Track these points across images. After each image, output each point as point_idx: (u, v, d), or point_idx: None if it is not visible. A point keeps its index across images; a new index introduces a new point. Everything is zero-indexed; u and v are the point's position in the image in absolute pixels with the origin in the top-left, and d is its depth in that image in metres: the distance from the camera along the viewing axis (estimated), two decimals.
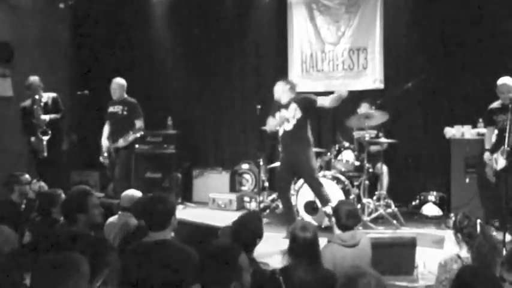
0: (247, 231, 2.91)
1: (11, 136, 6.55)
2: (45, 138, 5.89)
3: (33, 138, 5.95)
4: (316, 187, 5.35)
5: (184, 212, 6.71)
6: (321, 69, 7.32)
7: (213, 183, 7.45)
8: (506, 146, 4.77)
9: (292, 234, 2.80)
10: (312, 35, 7.34)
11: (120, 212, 3.92)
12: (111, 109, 6.19)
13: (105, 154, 6.08)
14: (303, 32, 7.39)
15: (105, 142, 6.13)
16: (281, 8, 7.51)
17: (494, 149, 5.20)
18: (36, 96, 5.96)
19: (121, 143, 5.91)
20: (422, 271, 4.05)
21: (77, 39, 7.91)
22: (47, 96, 6.08)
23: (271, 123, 5.50)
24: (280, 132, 5.42)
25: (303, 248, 2.72)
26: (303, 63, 7.43)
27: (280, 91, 5.40)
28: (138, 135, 5.94)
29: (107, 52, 7.92)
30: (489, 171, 5.26)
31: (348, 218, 3.29)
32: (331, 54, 7.25)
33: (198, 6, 7.83)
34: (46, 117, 5.95)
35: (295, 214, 5.61)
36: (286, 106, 5.32)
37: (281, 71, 7.51)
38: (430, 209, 6.20)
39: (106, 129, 6.21)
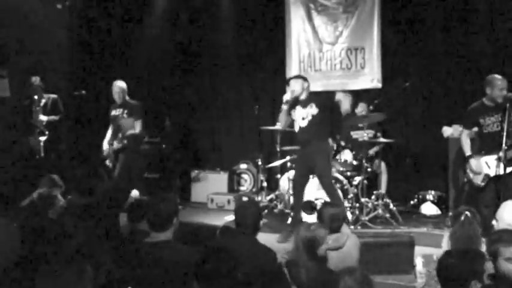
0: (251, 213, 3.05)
1: (9, 136, 6.51)
2: (42, 139, 5.88)
3: (31, 138, 5.95)
4: (328, 187, 5.22)
5: (182, 213, 6.70)
6: (318, 68, 7.32)
7: (211, 184, 7.43)
8: (504, 150, 4.45)
9: (298, 233, 2.84)
10: (309, 35, 7.34)
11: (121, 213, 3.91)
12: (113, 112, 6.17)
13: (107, 160, 6.08)
14: (300, 32, 7.40)
15: (105, 146, 6.15)
16: (279, 7, 7.51)
17: (479, 153, 4.78)
18: (36, 97, 5.94)
19: (116, 145, 5.94)
20: (421, 270, 4.06)
21: (75, 39, 7.88)
22: (47, 97, 6.07)
23: (283, 120, 5.35)
24: (296, 129, 5.29)
25: (308, 246, 2.74)
26: (300, 62, 7.43)
27: (301, 88, 5.20)
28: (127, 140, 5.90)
29: (105, 52, 7.89)
30: (478, 176, 4.74)
31: (332, 221, 3.28)
32: (329, 54, 7.25)
33: (195, 6, 7.82)
34: (44, 118, 5.94)
35: (300, 214, 5.42)
36: (304, 103, 5.19)
37: (279, 71, 7.53)
38: (429, 208, 6.21)
39: (109, 133, 6.21)
